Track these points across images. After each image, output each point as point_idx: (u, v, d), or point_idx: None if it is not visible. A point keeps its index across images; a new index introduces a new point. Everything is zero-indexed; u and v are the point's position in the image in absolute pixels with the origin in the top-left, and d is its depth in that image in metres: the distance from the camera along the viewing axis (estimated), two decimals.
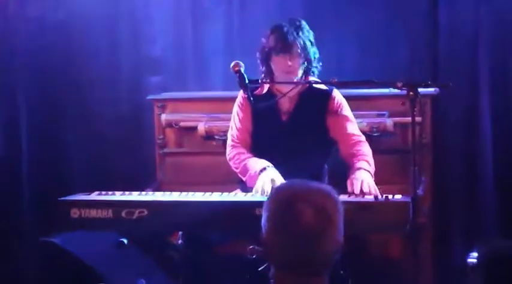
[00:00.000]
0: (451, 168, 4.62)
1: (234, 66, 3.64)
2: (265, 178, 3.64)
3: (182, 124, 4.46)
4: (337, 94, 3.90)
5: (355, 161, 3.75)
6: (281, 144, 3.82)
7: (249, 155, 3.85)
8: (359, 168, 3.69)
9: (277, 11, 4.78)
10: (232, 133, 3.95)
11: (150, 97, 4.67)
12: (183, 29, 4.99)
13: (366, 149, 3.83)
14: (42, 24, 5.01)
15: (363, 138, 3.90)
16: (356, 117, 4.21)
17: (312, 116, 3.85)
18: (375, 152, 3.89)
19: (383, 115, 4.26)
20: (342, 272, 3.60)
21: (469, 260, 3.19)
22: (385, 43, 4.74)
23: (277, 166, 3.70)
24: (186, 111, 4.50)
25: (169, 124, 4.48)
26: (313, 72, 3.85)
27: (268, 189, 3.57)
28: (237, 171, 3.86)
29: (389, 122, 4.22)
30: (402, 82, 3.35)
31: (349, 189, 3.57)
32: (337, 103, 3.87)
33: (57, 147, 5.06)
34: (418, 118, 3.76)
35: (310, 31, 3.84)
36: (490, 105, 4.60)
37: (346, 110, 3.90)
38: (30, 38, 5.02)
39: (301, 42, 3.75)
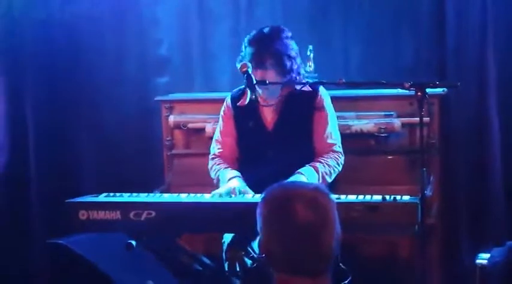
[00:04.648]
0: (459, 168, 4.60)
1: (242, 66, 3.63)
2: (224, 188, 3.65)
3: (190, 125, 4.45)
4: (323, 92, 3.83)
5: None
6: (268, 154, 3.77)
7: (223, 166, 3.83)
8: (298, 172, 3.64)
9: (284, 12, 4.78)
10: (213, 145, 3.95)
11: (157, 98, 4.66)
12: (190, 29, 4.99)
13: (330, 158, 3.76)
14: (48, 26, 5.01)
15: (337, 147, 3.82)
16: (363, 117, 4.21)
17: (298, 121, 3.80)
18: (383, 153, 3.86)
19: (391, 115, 4.24)
20: (342, 266, 3.56)
21: (478, 261, 3.17)
22: (392, 42, 4.73)
23: (266, 176, 3.65)
24: (193, 112, 4.50)
25: (177, 126, 4.48)
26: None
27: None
28: (215, 182, 3.83)
29: (397, 122, 4.20)
30: (410, 82, 3.33)
31: None
32: (321, 101, 3.80)
33: (64, 149, 5.06)
34: (426, 119, 3.76)
35: (290, 41, 3.75)
36: (498, 105, 4.57)
37: (329, 111, 3.82)
38: (37, 40, 5.02)
39: (275, 57, 3.68)
